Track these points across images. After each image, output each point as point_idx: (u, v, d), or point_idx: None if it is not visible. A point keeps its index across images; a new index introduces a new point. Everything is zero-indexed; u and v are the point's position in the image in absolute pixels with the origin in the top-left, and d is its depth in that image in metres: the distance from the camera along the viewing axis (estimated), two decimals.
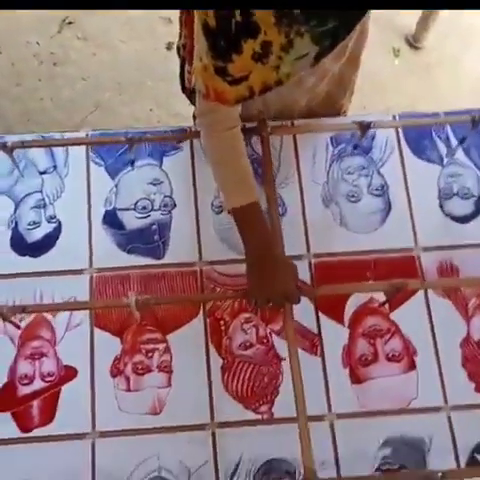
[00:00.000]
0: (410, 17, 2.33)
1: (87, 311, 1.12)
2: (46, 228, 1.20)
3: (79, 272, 1.16)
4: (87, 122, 1.88)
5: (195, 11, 0.97)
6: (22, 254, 1.17)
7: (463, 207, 1.23)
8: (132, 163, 1.25)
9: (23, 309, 1.00)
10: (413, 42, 2.33)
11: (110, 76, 2.14)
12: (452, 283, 1.17)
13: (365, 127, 1.16)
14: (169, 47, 2.10)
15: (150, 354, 1.10)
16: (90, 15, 2.40)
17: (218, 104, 1.04)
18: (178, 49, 1.27)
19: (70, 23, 2.34)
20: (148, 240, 1.19)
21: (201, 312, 1.13)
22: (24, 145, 1.16)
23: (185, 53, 1.20)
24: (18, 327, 1.11)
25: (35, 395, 1.08)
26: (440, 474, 0.90)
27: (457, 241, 1.19)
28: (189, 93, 1.32)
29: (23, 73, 2.21)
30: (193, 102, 1.34)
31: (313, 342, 1.11)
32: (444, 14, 2.29)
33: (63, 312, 1.12)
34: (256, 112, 1.22)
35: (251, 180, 1.11)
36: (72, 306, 1.12)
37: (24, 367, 1.09)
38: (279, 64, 1.04)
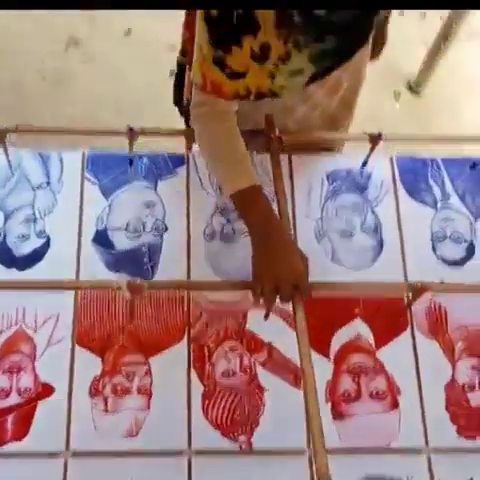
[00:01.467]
0: (412, 62, 2.39)
1: (70, 328, 1.10)
2: (35, 242, 1.19)
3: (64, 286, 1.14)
4: (88, 142, 1.88)
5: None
6: (8, 266, 1.16)
7: (455, 251, 1.23)
8: (131, 162, 1.26)
9: None
10: (414, 87, 2.38)
11: (112, 97, 2.16)
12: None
13: (376, 139, 1.19)
14: (172, 74, 2.13)
15: (130, 376, 1.08)
16: (96, 37, 2.43)
17: (215, 97, 1.05)
18: (180, 65, 1.28)
19: (76, 44, 2.37)
20: (137, 262, 1.18)
21: (186, 337, 1.12)
22: (18, 129, 1.17)
23: (186, 59, 1.20)
24: None
25: (10, 410, 1.06)
26: None
27: (446, 283, 1.18)
28: (182, 106, 1.32)
29: (26, 90, 2.23)
30: (186, 116, 1.35)
31: (296, 375, 1.10)
32: (446, 61, 2.34)
33: (44, 328, 1.10)
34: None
35: (250, 164, 1.09)
36: (56, 285, 1.08)
37: (1, 381, 1.07)
38: (274, 73, 1.05)
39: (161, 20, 2.48)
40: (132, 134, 1.20)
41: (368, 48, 1.26)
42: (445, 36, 2.23)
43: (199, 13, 0.98)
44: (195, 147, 1.45)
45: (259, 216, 1.05)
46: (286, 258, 1.01)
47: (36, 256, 1.17)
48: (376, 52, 1.40)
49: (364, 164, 1.29)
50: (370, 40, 1.19)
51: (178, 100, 1.35)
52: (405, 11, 2.56)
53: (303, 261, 1.02)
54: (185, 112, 1.33)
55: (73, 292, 1.14)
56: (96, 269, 1.16)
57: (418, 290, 1.05)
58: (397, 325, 1.15)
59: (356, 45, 1.11)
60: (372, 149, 1.23)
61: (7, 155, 1.24)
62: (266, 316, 1.06)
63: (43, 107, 2.16)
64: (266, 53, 1.01)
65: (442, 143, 1.30)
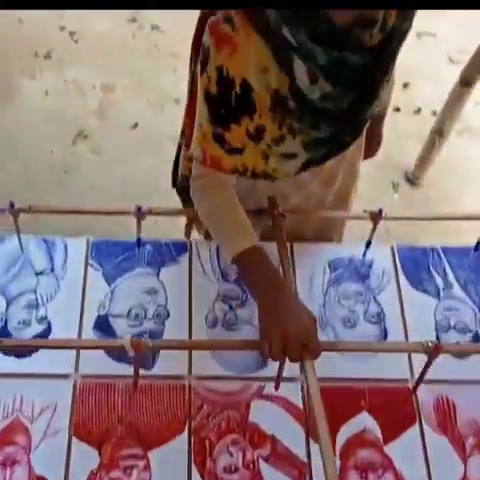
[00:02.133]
0: (410, 155, 2.47)
1: (67, 418, 1.07)
2: (35, 329, 1.17)
3: (64, 377, 1.12)
4: (92, 229, 1.91)
5: (199, 81, 1.02)
6: (7, 353, 1.14)
7: (460, 341, 1.21)
8: (139, 244, 1.28)
9: None
10: (412, 179, 2.44)
11: (119, 188, 2.23)
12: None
13: (376, 217, 1.22)
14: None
15: (128, 471, 1.03)
16: (104, 130, 2.54)
17: (214, 171, 1.08)
18: (179, 146, 1.32)
19: (85, 137, 2.47)
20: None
21: (186, 429, 1.08)
22: (31, 210, 1.20)
23: (183, 139, 1.24)
24: None
25: None
26: None
27: (454, 376, 1.16)
28: (180, 188, 1.35)
29: (34, 179, 2.29)
30: (183, 198, 1.38)
31: (301, 471, 1.05)
32: (442, 155, 2.42)
33: (41, 418, 1.07)
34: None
35: (251, 228, 1.09)
36: (62, 343, 1.08)
37: None
38: (268, 153, 1.08)
39: (166, 115, 2.61)
40: (140, 214, 1.21)
41: (362, 142, 1.30)
42: (439, 131, 2.32)
43: (199, 94, 1.02)
44: (195, 234, 1.48)
45: (264, 275, 1.04)
46: (294, 315, 0.99)
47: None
48: (372, 151, 1.45)
49: (367, 244, 1.29)
50: (364, 133, 1.24)
51: (175, 181, 1.38)
52: (401, 107, 2.68)
53: (311, 320, 1.00)
54: (181, 191, 1.36)
55: (72, 381, 1.11)
56: (96, 355, 1.14)
57: (432, 351, 1.02)
58: (405, 418, 1.11)
59: (351, 136, 1.16)
60: (374, 228, 1.24)
61: (19, 234, 1.25)
62: (276, 387, 1.02)
63: (50, 197, 2.21)
64: (261, 134, 1.05)
65: (441, 220, 1.31)
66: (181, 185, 1.33)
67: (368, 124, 1.20)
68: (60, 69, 2.76)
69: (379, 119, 1.39)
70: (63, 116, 2.58)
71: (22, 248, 1.27)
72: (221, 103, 1.00)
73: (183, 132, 1.24)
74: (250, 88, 0.98)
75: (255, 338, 1.14)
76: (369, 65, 1.01)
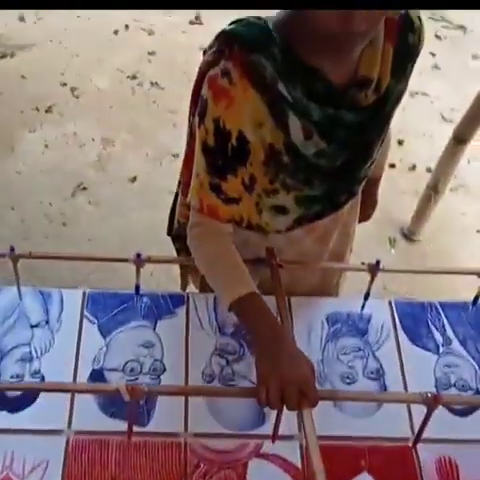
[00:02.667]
0: (406, 210, 2.50)
1: (59, 476, 1.03)
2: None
3: (56, 433, 1.09)
4: (88, 281, 1.91)
5: (197, 133, 1.04)
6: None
7: None
8: (137, 291, 1.27)
9: None
10: (409, 235, 2.46)
11: (116, 239, 2.23)
12: None
13: (374, 269, 1.23)
14: None
15: None
16: (103, 183, 2.56)
17: (211, 219, 1.08)
18: (176, 194, 1.32)
19: (84, 189, 2.50)
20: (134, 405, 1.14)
21: None
22: (31, 255, 1.21)
23: (180, 188, 1.25)
24: None
25: None
26: None
27: (456, 435, 1.14)
28: (175, 236, 1.36)
29: (31, 229, 2.30)
30: (178, 246, 1.38)
31: None
32: (438, 211, 2.45)
33: (32, 477, 1.03)
34: None
35: (248, 275, 1.08)
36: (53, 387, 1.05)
37: None
38: (261, 206, 1.09)
39: (164, 169, 2.65)
40: (139, 261, 1.22)
41: (358, 202, 1.31)
42: (434, 188, 2.36)
43: (197, 144, 1.04)
44: (191, 287, 1.48)
45: (262, 322, 1.04)
46: (293, 362, 0.98)
47: (28, 398, 1.13)
48: (367, 214, 1.47)
49: (366, 296, 1.29)
50: (359, 194, 1.25)
51: (171, 229, 1.39)
52: (397, 163, 2.73)
53: (309, 367, 0.98)
54: (176, 238, 1.36)
55: (65, 437, 1.08)
56: (90, 411, 1.12)
57: (431, 402, 1.00)
58: (406, 478, 1.08)
59: (345, 195, 1.17)
60: (372, 280, 1.24)
61: (18, 281, 1.24)
62: (273, 440, 1.00)
63: (47, 248, 2.21)
64: (253, 184, 1.06)
65: (437, 274, 1.33)
66: (177, 233, 1.33)
67: (363, 184, 1.22)
68: (60, 123, 2.81)
69: (375, 181, 1.40)
70: (62, 168, 2.61)
71: (20, 295, 1.26)
72: (218, 154, 1.02)
73: (180, 180, 1.26)
74: (246, 140, 1.00)
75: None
76: (364, 124, 1.03)
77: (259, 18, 0.99)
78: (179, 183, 1.27)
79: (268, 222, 1.14)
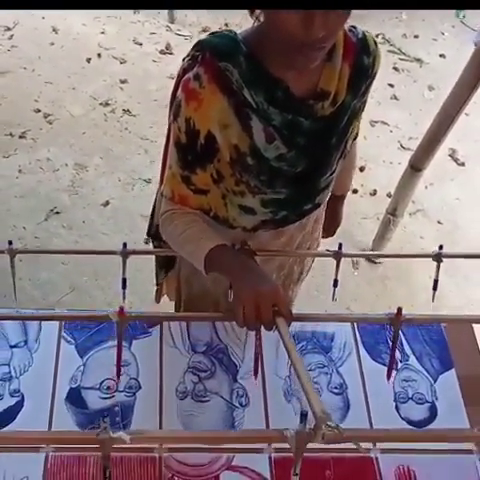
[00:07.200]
0: (368, 233, 2.60)
1: None
2: (8, 402, 1.19)
3: (35, 450, 1.12)
4: (62, 303, 1.95)
5: (171, 131, 1.12)
6: None
7: (418, 412, 1.26)
8: (124, 283, 1.33)
9: None
10: (370, 257, 2.56)
11: (89, 263, 2.27)
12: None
13: (338, 254, 1.30)
14: (147, 242, 2.26)
15: None
16: (76, 207, 2.60)
17: (181, 206, 1.17)
18: (157, 193, 1.38)
19: (57, 213, 2.53)
20: (110, 421, 1.14)
21: None
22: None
23: (161, 183, 1.31)
24: None
25: None
26: None
27: (414, 445, 1.19)
28: (155, 235, 1.41)
29: (4, 255, 2.31)
30: (155, 246, 1.45)
31: None
32: (398, 234, 2.56)
33: None
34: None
35: (217, 235, 1.15)
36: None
37: None
38: (225, 196, 1.18)
39: (136, 194, 2.70)
40: (125, 252, 1.30)
41: (322, 215, 1.41)
42: (393, 212, 2.46)
43: (171, 139, 1.13)
44: (165, 298, 1.52)
45: (234, 258, 1.11)
46: (263, 278, 1.04)
47: (9, 416, 1.17)
48: (331, 231, 1.57)
49: (335, 283, 1.36)
50: (323, 207, 1.35)
51: (151, 229, 1.45)
52: (359, 188, 2.83)
53: (278, 285, 1.04)
54: (156, 237, 1.41)
55: (44, 453, 1.12)
56: (68, 428, 1.15)
57: (394, 320, 1.07)
58: None
59: (310, 204, 1.26)
60: (337, 265, 1.33)
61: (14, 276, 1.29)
62: (255, 373, 1.11)
63: (21, 271, 2.24)
64: (221, 178, 1.15)
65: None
66: (157, 229, 1.39)
67: (328, 197, 1.31)
68: (34, 148, 2.83)
69: (339, 198, 1.50)
70: (36, 193, 2.64)
71: (15, 293, 1.31)
72: (188, 150, 1.11)
73: (161, 176, 1.32)
74: (214, 139, 1.09)
75: (224, 410, 1.19)
76: (321, 132, 1.12)
77: (230, 31, 1.10)
78: (161, 179, 1.33)
79: (235, 218, 1.24)
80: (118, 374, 1.11)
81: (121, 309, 1.01)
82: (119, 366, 1.09)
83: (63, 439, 0.92)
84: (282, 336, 0.98)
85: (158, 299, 1.54)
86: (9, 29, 3.42)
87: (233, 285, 1.07)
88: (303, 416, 0.84)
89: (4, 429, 1.15)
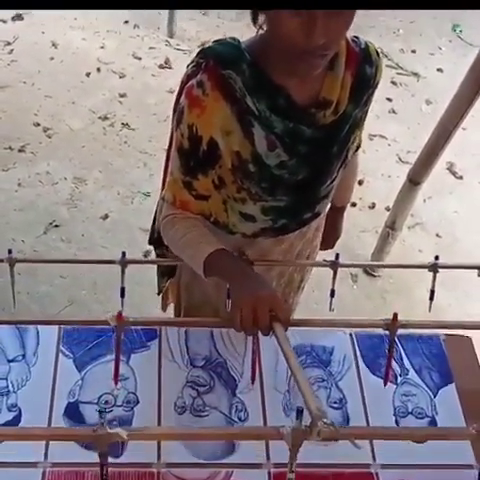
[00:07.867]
0: (366, 247, 2.61)
1: None
2: (5, 416, 1.18)
3: (33, 465, 1.11)
4: (60, 316, 1.94)
5: (174, 137, 1.13)
6: None
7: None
8: (122, 293, 1.33)
9: None
10: (369, 271, 2.56)
11: (88, 276, 2.27)
12: None
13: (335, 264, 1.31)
14: (146, 255, 2.27)
15: None
16: (76, 221, 2.61)
17: (182, 211, 1.18)
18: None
19: (56, 226, 2.53)
20: None
21: None
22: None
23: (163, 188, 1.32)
24: None
25: None
26: None
27: (415, 460, 1.19)
28: (156, 241, 1.42)
29: (3, 267, 2.31)
30: (158, 253, 1.45)
31: None
32: (397, 248, 2.56)
33: None
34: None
35: (217, 240, 1.15)
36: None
37: None
38: (226, 202, 1.18)
39: (135, 208, 2.70)
40: (124, 261, 1.30)
41: (321, 225, 1.41)
42: (392, 225, 2.47)
43: (174, 145, 1.14)
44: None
45: (232, 265, 1.11)
46: (262, 284, 1.05)
47: None
48: (330, 243, 1.57)
49: (332, 293, 1.37)
50: (323, 217, 1.36)
51: (152, 237, 1.46)
52: (357, 202, 2.85)
53: (276, 291, 1.06)
54: (158, 244, 1.42)
55: (41, 469, 1.11)
56: (65, 443, 1.14)
57: (390, 326, 1.09)
58: None
59: (310, 212, 1.27)
60: (334, 275, 1.33)
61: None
62: (253, 378, 1.13)
63: (20, 284, 2.23)
64: (222, 184, 1.16)
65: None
66: (159, 236, 1.40)
67: (327, 207, 1.32)
68: (34, 162, 2.84)
69: (339, 209, 1.51)
70: (35, 206, 2.64)
71: (14, 301, 1.33)
72: (191, 156, 1.12)
73: (163, 181, 1.33)
74: (217, 146, 1.10)
75: (223, 425, 1.18)
76: (322, 141, 1.13)
77: (234, 39, 1.11)
78: (163, 184, 1.34)
79: (236, 224, 1.24)
80: (116, 380, 1.11)
81: (119, 314, 1.01)
82: (117, 372, 1.09)
83: (60, 435, 0.95)
84: (279, 341, 0.99)
85: (164, 308, 1.54)
86: (9, 44, 3.44)
87: (231, 290, 1.09)
88: (299, 413, 0.83)
89: (1, 444, 1.13)
